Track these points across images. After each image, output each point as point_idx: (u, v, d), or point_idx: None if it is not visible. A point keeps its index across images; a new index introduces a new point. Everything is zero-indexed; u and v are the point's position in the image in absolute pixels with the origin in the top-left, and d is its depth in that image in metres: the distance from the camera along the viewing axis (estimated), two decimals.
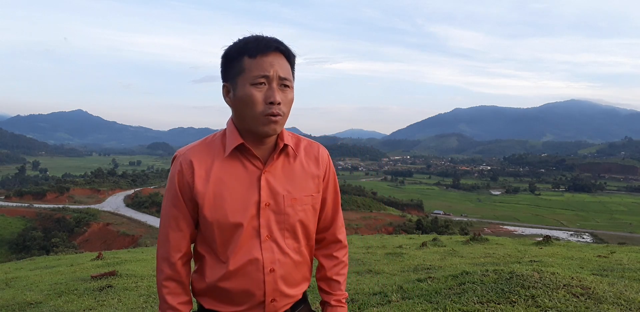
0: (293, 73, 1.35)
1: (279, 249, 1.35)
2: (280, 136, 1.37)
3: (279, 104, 1.28)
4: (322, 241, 1.52)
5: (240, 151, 1.34)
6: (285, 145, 1.37)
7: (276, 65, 1.28)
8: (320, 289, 1.53)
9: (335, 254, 1.52)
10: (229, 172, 1.33)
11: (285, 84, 1.29)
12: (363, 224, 56.14)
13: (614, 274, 4.43)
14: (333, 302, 1.49)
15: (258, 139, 1.34)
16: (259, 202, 1.32)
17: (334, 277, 1.50)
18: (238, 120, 1.34)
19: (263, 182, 1.33)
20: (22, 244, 51.52)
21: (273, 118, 1.28)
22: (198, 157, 1.34)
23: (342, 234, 1.53)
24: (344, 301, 1.51)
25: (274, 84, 1.27)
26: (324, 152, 1.46)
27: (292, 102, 1.34)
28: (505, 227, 78.44)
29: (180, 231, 1.36)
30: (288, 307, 1.41)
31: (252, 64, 1.27)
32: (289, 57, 1.33)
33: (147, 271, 6.06)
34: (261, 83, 1.27)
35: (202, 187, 1.32)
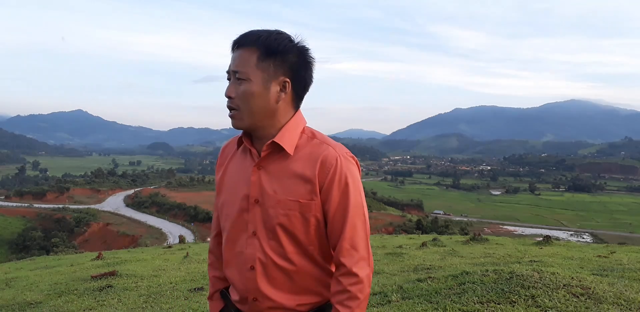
0: (275, 63, 1.27)
1: (261, 248, 1.31)
2: (277, 133, 1.32)
3: (230, 97, 1.29)
4: (334, 260, 1.33)
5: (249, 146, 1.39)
6: (274, 143, 1.30)
7: (233, 60, 1.29)
8: None
9: (340, 278, 1.29)
10: (237, 163, 1.40)
11: (237, 77, 1.27)
12: None
13: (614, 274, 4.43)
14: None
15: (254, 134, 1.35)
16: (248, 197, 1.33)
17: (336, 306, 1.28)
18: None
19: (254, 178, 1.32)
20: (22, 244, 51.53)
21: (229, 112, 1.30)
22: (227, 147, 1.48)
23: (347, 258, 1.28)
24: None
25: (232, 79, 1.29)
26: (331, 158, 1.28)
27: (250, 95, 1.27)
28: (505, 227, 78.48)
29: (216, 211, 1.49)
30: None
31: None
32: (259, 48, 1.27)
33: (147, 271, 6.05)
34: (229, 79, 1.31)
35: (218, 175, 1.45)
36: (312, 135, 1.34)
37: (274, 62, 1.27)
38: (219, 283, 1.50)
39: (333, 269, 1.35)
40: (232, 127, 1.32)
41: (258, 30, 1.30)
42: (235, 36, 1.31)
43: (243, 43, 1.29)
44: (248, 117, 1.28)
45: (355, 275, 1.27)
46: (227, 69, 1.32)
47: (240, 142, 1.40)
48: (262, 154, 1.31)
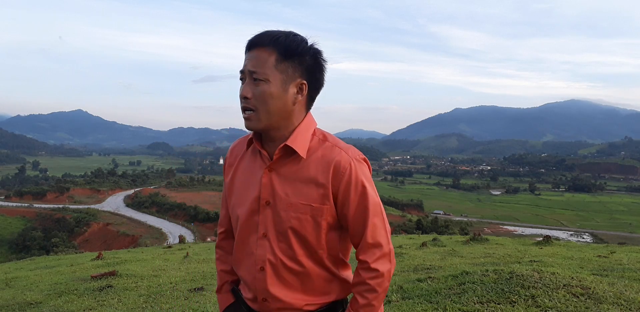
0: (293, 65, 1.27)
1: (271, 249, 1.32)
2: (289, 135, 1.31)
3: (246, 98, 1.26)
4: (356, 257, 1.36)
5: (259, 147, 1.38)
6: (287, 146, 1.29)
7: (249, 60, 1.27)
8: None
9: (360, 272, 1.32)
10: (247, 165, 1.40)
11: (254, 78, 1.25)
12: None
13: (614, 274, 4.44)
14: None
15: (266, 135, 1.34)
16: (259, 199, 1.33)
17: (356, 295, 1.32)
18: None
19: (265, 180, 1.32)
20: (22, 244, 51.57)
21: (244, 113, 1.28)
22: (236, 148, 1.47)
23: (367, 255, 1.30)
24: None
25: (247, 79, 1.27)
26: (344, 162, 1.29)
27: (268, 96, 1.25)
28: (505, 227, 78.48)
29: (224, 208, 1.51)
30: None
31: None
32: (278, 49, 1.26)
33: (147, 271, 6.06)
34: (241, 79, 1.29)
35: (227, 175, 1.45)
36: (324, 137, 1.34)
37: (292, 64, 1.26)
38: (226, 276, 1.51)
39: (342, 271, 1.39)
40: (245, 128, 1.29)
41: (273, 31, 1.28)
42: (243, 36, 1.31)
43: (259, 43, 1.27)
44: (265, 118, 1.27)
45: (375, 270, 1.29)
46: (241, 68, 1.29)
47: (249, 142, 1.39)
48: (275, 156, 1.31)
